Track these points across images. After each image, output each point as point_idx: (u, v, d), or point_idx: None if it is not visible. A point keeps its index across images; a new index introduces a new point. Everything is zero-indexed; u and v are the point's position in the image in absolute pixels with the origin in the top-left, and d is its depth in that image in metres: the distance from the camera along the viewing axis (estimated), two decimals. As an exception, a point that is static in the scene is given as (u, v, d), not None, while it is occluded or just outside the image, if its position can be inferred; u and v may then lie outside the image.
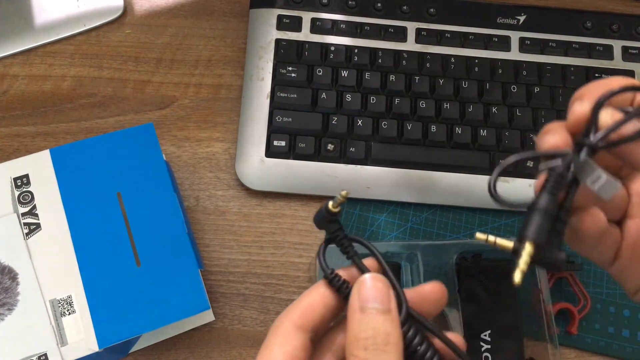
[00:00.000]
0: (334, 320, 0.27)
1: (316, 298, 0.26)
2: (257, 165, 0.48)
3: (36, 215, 0.39)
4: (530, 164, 0.48)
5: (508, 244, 0.24)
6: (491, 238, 0.24)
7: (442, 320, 0.44)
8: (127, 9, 0.54)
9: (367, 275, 0.25)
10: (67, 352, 0.36)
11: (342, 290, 0.26)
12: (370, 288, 0.25)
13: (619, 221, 0.27)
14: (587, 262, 0.47)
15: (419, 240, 0.47)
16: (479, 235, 0.24)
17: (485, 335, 0.42)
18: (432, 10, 0.53)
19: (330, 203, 0.27)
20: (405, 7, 0.53)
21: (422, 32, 0.52)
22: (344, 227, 0.28)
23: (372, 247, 0.27)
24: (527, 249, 0.22)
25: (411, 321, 0.25)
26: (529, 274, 0.44)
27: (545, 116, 0.50)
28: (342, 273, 0.27)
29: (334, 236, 0.27)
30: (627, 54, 0.52)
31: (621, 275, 0.28)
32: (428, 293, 0.27)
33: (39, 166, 0.40)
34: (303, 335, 0.25)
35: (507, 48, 0.52)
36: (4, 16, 0.52)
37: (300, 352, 0.25)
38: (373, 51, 0.51)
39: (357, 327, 0.24)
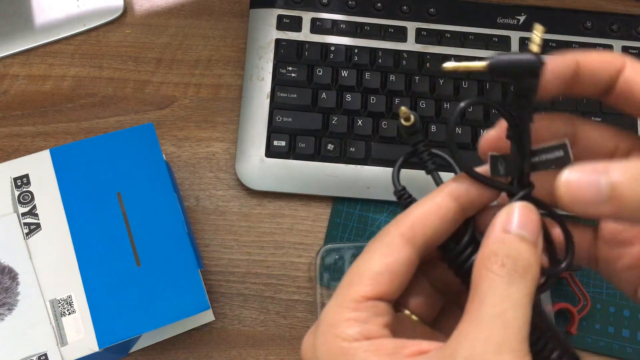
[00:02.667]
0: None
1: (431, 208, 0.23)
2: (257, 165, 0.48)
3: (36, 215, 0.39)
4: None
5: (478, 64, 0.22)
6: (461, 64, 0.22)
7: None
8: (127, 9, 0.54)
9: (519, 203, 0.22)
10: (67, 352, 0.36)
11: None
12: (522, 215, 0.22)
13: None
14: (587, 262, 0.47)
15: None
16: (447, 65, 0.23)
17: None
18: (432, 10, 0.53)
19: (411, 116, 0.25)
20: (405, 7, 0.53)
21: (422, 32, 0.52)
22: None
23: (458, 163, 0.24)
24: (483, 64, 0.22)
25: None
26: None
27: (545, 116, 0.50)
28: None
29: (416, 149, 0.25)
30: (627, 54, 0.52)
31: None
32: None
33: (39, 166, 0.40)
34: (410, 249, 0.23)
35: (507, 48, 0.52)
36: (4, 16, 0.52)
37: (403, 267, 0.22)
38: (373, 51, 0.51)
39: (498, 244, 0.21)
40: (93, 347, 0.36)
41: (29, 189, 0.40)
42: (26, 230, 0.39)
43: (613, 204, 0.20)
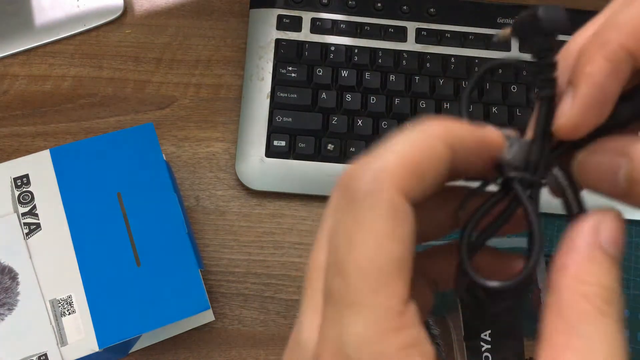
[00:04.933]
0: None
1: (424, 151, 0.17)
2: (257, 165, 0.48)
3: (36, 215, 0.39)
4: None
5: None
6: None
7: (442, 320, 0.44)
8: (127, 9, 0.54)
9: (615, 212, 0.18)
10: (67, 352, 0.36)
11: None
12: (615, 230, 0.17)
13: None
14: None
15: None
16: (503, 32, 0.19)
17: (485, 335, 0.42)
18: (432, 10, 0.53)
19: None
20: (405, 7, 0.53)
21: (422, 32, 0.52)
22: None
23: None
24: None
25: None
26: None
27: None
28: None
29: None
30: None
31: None
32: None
33: (39, 166, 0.40)
34: (413, 212, 0.16)
35: (507, 48, 0.52)
36: (4, 16, 0.52)
37: (415, 239, 0.16)
38: (373, 51, 0.51)
39: (600, 268, 0.17)
40: (93, 347, 0.36)
41: (29, 189, 0.40)
42: (26, 230, 0.39)
43: (630, 198, 0.17)
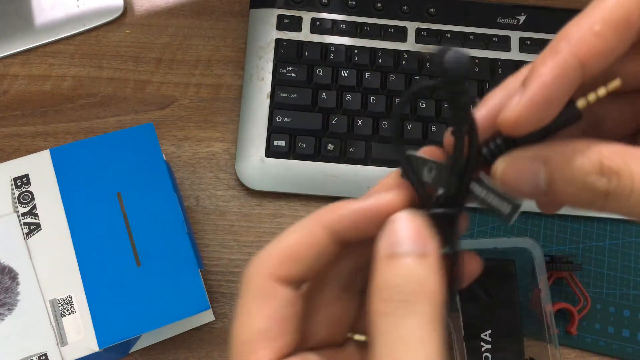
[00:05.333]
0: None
1: (303, 241, 0.20)
2: (257, 165, 0.48)
3: (36, 215, 0.39)
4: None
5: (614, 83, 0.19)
6: (591, 96, 0.19)
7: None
8: (127, 9, 0.54)
9: (400, 214, 0.19)
10: (67, 352, 0.36)
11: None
12: (402, 229, 0.19)
13: None
14: (587, 262, 0.47)
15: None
16: (582, 103, 0.19)
17: (485, 335, 0.42)
18: (432, 10, 0.53)
19: None
20: (405, 7, 0.53)
21: (422, 32, 0.52)
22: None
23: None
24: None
25: None
26: (529, 274, 0.44)
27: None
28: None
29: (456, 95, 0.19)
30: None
31: None
32: None
33: (39, 166, 0.40)
34: (286, 289, 0.20)
35: (507, 48, 0.52)
36: (4, 16, 0.52)
37: (286, 310, 0.19)
38: (373, 51, 0.51)
39: (382, 275, 0.18)
40: (93, 347, 0.36)
41: (29, 189, 0.40)
42: (26, 230, 0.39)
43: (552, 197, 0.18)
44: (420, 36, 0.52)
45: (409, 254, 0.18)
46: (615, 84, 0.19)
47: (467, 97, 0.19)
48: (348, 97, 0.49)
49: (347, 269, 0.22)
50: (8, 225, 0.39)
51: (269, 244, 0.21)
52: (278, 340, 0.19)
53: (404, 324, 0.17)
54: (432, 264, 0.18)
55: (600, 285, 0.47)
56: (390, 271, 0.18)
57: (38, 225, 0.39)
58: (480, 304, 0.43)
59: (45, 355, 0.36)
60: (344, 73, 0.50)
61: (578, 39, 0.18)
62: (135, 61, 0.52)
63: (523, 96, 0.18)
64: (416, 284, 0.17)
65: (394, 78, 0.50)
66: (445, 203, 0.20)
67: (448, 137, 0.20)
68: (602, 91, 0.19)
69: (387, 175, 0.22)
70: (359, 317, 0.23)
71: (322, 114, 0.49)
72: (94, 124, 0.49)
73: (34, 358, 0.36)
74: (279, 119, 0.48)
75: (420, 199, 0.21)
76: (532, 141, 0.19)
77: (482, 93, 0.50)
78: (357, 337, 0.22)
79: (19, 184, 0.40)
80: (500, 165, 0.19)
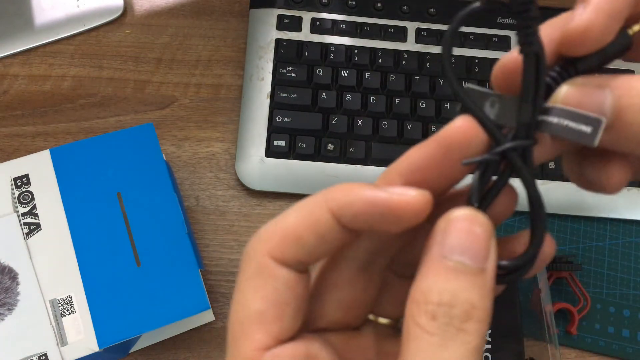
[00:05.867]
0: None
1: (304, 221, 0.18)
2: (257, 165, 0.48)
3: (36, 215, 0.39)
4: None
5: None
6: (636, 27, 0.19)
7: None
8: (127, 9, 0.54)
9: (458, 213, 0.17)
10: (67, 352, 0.36)
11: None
12: (463, 233, 0.16)
13: None
14: (587, 262, 0.47)
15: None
16: (630, 32, 0.19)
17: (486, 335, 0.42)
18: (432, 10, 0.53)
19: None
20: (405, 7, 0.53)
21: (422, 32, 0.52)
22: None
23: None
24: None
25: None
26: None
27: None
28: None
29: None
30: (627, 54, 0.52)
31: None
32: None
33: (39, 166, 0.40)
34: (286, 270, 0.18)
35: (507, 48, 0.52)
36: (4, 16, 0.52)
37: (285, 293, 0.18)
38: (373, 51, 0.51)
39: (431, 282, 0.16)
40: (93, 347, 0.36)
41: (29, 189, 0.40)
42: (26, 230, 0.39)
43: (615, 131, 0.17)
44: (420, 36, 0.52)
45: (468, 268, 0.16)
46: None
47: (537, 8, 0.17)
48: (348, 97, 0.49)
49: (366, 248, 0.20)
50: (8, 225, 0.39)
51: (271, 220, 0.19)
52: (274, 324, 0.18)
53: (448, 349, 0.15)
54: (487, 283, 0.16)
55: (600, 285, 0.47)
56: (442, 281, 0.16)
57: (38, 225, 0.39)
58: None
59: (45, 355, 0.36)
60: (344, 73, 0.50)
61: None
62: (135, 61, 0.52)
63: (588, 5, 0.17)
64: (469, 306, 0.16)
65: (394, 78, 0.50)
66: (516, 136, 0.18)
67: (501, 68, 0.19)
68: None
69: (398, 161, 0.19)
70: (380, 299, 0.21)
71: (322, 114, 0.49)
72: (94, 124, 0.49)
73: (34, 358, 0.36)
74: (279, 119, 0.48)
75: (490, 135, 0.18)
76: (590, 70, 0.18)
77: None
78: (382, 320, 0.21)
79: (19, 184, 0.40)
80: (563, 90, 0.18)
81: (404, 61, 0.50)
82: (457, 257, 0.16)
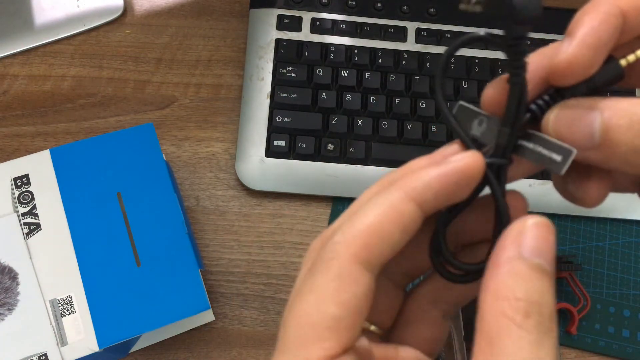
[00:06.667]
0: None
1: (388, 215, 0.18)
2: (257, 165, 0.48)
3: (36, 215, 0.39)
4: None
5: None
6: (631, 57, 0.20)
7: (442, 320, 0.44)
8: (127, 9, 0.54)
9: (536, 219, 0.18)
10: (67, 352, 0.36)
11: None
12: (540, 238, 0.17)
13: None
14: (587, 262, 0.47)
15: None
16: (623, 62, 0.20)
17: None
18: (432, 10, 0.53)
19: None
20: (405, 7, 0.53)
21: (422, 32, 0.52)
22: None
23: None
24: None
25: None
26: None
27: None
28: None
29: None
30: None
31: None
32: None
33: (39, 166, 0.40)
34: (369, 276, 0.18)
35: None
36: (4, 16, 0.52)
37: (364, 300, 0.18)
38: (373, 51, 0.51)
39: (516, 280, 0.17)
40: (93, 347, 0.36)
41: (29, 189, 0.40)
42: (26, 230, 0.39)
43: (603, 150, 0.18)
44: (420, 36, 0.52)
45: (546, 271, 0.17)
46: None
47: (527, 42, 0.19)
48: (348, 97, 0.49)
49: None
50: (8, 225, 0.39)
51: (349, 219, 0.19)
52: (347, 332, 0.17)
53: (545, 347, 0.16)
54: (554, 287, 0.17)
55: (600, 285, 0.47)
56: (528, 280, 0.16)
57: (38, 225, 0.39)
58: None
59: (45, 355, 0.36)
60: (344, 73, 0.50)
61: None
62: (135, 61, 0.52)
63: (573, 39, 0.18)
64: (553, 307, 0.17)
65: (394, 78, 0.50)
66: (493, 154, 0.20)
67: (490, 91, 0.20)
68: None
69: (413, 179, 0.20)
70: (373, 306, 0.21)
71: (322, 114, 0.49)
72: (94, 124, 0.49)
73: (34, 358, 0.36)
74: (279, 119, 0.48)
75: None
76: (579, 96, 0.19)
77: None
78: (373, 327, 0.21)
79: (19, 184, 0.40)
80: (553, 113, 0.19)
81: (404, 61, 0.50)
82: (536, 259, 0.17)
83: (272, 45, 0.50)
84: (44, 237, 0.38)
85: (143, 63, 0.52)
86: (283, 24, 0.51)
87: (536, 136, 0.20)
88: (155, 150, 0.41)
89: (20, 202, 0.39)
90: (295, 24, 0.51)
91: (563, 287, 0.46)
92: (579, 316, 0.45)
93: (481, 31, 0.21)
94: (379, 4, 0.52)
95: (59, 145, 0.41)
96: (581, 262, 0.47)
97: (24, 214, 0.39)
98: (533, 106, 0.20)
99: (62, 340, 0.36)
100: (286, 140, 0.48)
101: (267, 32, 0.51)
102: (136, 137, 0.42)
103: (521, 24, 0.19)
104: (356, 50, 0.50)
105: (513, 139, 0.20)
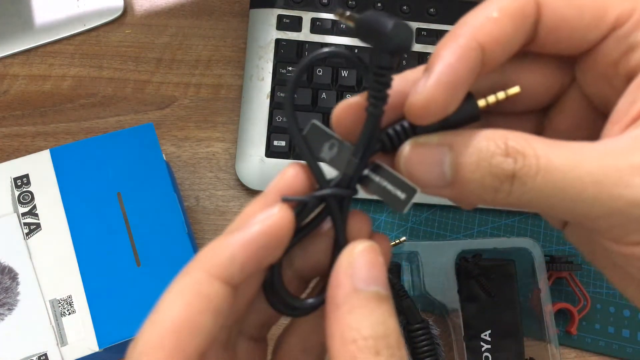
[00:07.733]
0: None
1: (194, 306, 0.18)
2: (257, 165, 0.48)
3: (36, 215, 0.39)
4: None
5: (513, 90, 0.20)
6: (491, 98, 0.19)
7: (442, 320, 0.44)
8: (127, 9, 0.54)
9: (362, 246, 0.18)
10: (67, 352, 0.36)
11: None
12: (370, 264, 0.17)
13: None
14: (587, 262, 0.47)
15: (419, 240, 0.47)
16: (482, 103, 0.20)
17: (485, 335, 0.42)
18: (432, 10, 0.53)
19: None
20: (405, 7, 0.53)
21: (422, 32, 0.52)
22: None
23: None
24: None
25: None
26: (529, 274, 0.44)
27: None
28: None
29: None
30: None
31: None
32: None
33: (39, 166, 0.40)
34: (220, 285, 0.18)
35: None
36: (4, 16, 0.52)
37: (214, 302, 0.17)
38: (373, 51, 0.51)
39: (358, 316, 0.16)
40: (93, 347, 0.36)
41: (29, 189, 0.40)
42: (26, 230, 0.39)
43: (456, 188, 0.18)
44: (420, 36, 0.52)
45: (383, 296, 0.17)
46: (515, 90, 0.19)
47: (392, 74, 0.18)
48: (348, 97, 0.49)
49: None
50: (8, 225, 0.39)
51: (149, 317, 0.17)
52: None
53: None
54: (393, 306, 0.17)
55: (600, 285, 0.47)
56: (368, 313, 0.16)
57: (38, 225, 0.39)
58: (480, 304, 0.43)
59: (45, 355, 0.36)
60: (344, 73, 0.50)
61: (477, 24, 0.18)
62: (135, 61, 0.52)
63: (429, 78, 0.18)
64: (397, 332, 0.17)
65: (394, 78, 0.50)
66: (338, 184, 0.19)
67: (342, 113, 0.20)
68: (501, 95, 0.19)
69: (251, 203, 0.21)
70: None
71: (322, 113, 0.49)
72: (94, 124, 0.49)
73: (34, 358, 0.36)
74: (279, 119, 0.48)
75: (315, 177, 0.20)
76: (433, 131, 0.19)
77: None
78: None
79: (19, 184, 0.40)
80: (405, 150, 0.18)
81: (403, 61, 0.50)
82: (372, 287, 0.17)
83: (272, 45, 0.50)
84: (44, 237, 0.38)
85: (143, 63, 0.52)
86: (283, 24, 0.51)
87: (384, 170, 0.19)
88: (155, 150, 0.41)
89: (20, 202, 0.39)
90: (295, 24, 0.51)
91: (563, 287, 0.46)
92: (579, 316, 0.45)
93: (343, 48, 0.20)
94: (379, 4, 0.52)
95: (59, 145, 0.41)
96: (581, 262, 0.47)
97: (24, 214, 0.39)
98: (385, 136, 0.19)
99: (62, 340, 0.36)
100: (286, 140, 0.48)
101: (267, 32, 0.51)
102: (136, 137, 0.42)
103: (391, 54, 0.18)
104: (356, 50, 0.50)
105: (360, 171, 0.19)
